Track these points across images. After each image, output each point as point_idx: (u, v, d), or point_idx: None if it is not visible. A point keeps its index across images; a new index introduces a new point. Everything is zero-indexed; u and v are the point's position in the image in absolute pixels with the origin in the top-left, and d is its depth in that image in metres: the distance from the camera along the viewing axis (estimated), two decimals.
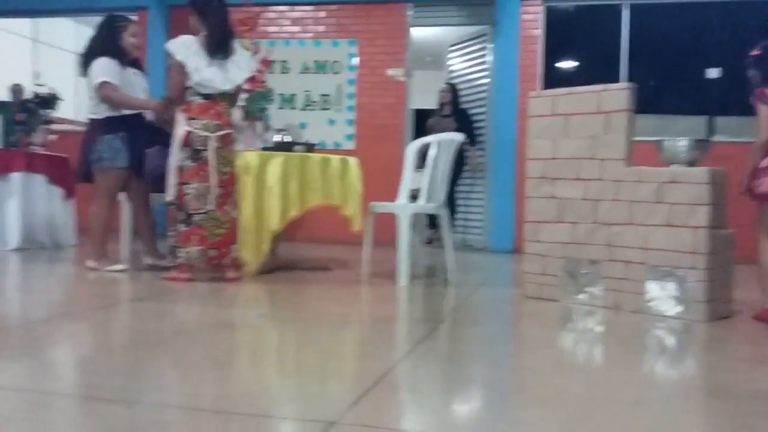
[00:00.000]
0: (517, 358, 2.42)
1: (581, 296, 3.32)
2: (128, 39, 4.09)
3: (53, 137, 6.07)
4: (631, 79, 6.51)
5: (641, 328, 2.87)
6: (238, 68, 3.78)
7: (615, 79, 6.63)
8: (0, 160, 5.09)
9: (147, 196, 4.23)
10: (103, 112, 3.99)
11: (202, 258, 3.69)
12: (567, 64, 7.53)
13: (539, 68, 6.92)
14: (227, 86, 3.73)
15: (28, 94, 5.93)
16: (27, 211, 5.15)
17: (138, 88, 4.17)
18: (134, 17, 4.98)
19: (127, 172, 4.03)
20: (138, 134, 4.02)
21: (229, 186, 3.77)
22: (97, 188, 4.07)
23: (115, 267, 4.07)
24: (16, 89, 5.86)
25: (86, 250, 4.34)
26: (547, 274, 3.48)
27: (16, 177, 5.11)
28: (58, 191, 5.50)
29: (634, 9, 6.81)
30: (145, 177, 4.09)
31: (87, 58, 4.04)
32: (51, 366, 2.00)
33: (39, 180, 5.30)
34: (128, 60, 4.14)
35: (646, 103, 6.03)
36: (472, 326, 2.92)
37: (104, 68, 3.94)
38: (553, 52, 7.17)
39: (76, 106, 8.24)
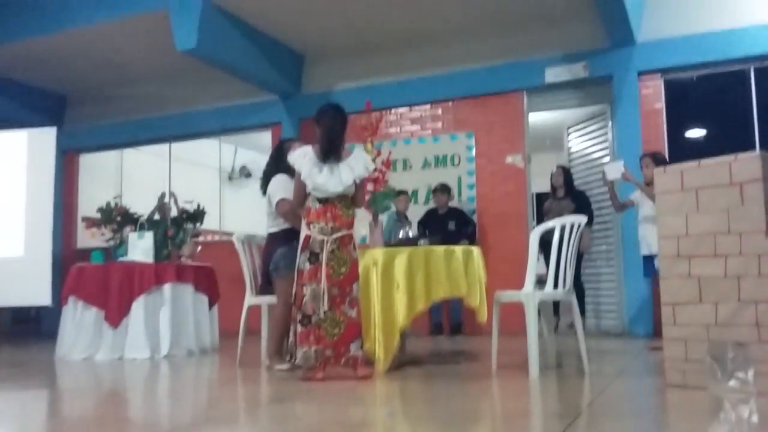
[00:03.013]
0: None
1: (731, 383, 3.06)
2: (290, 157, 4.48)
3: (200, 248, 6.59)
4: (765, 144, 6.15)
5: None
6: (350, 170, 3.90)
7: (749, 145, 6.29)
8: (155, 273, 5.56)
9: None
10: (280, 226, 4.42)
11: (319, 358, 3.78)
12: (694, 134, 7.24)
13: (664, 142, 6.71)
14: (339, 188, 3.87)
15: (172, 209, 6.53)
16: (176, 319, 5.56)
17: None
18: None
19: None
20: None
21: (346, 286, 3.87)
22: (276, 293, 4.44)
23: (282, 366, 4.28)
24: (164, 207, 6.47)
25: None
26: (691, 360, 3.25)
27: (167, 288, 5.55)
28: (203, 299, 5.90)
29: (759, 72, 6.51)
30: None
31: (265, 178, 4.58)
32: None
33: (187, 289, 5.72)
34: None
35: None
36: (612, 420, 2.76)
37: (280, 186, 4.40)
38: (677, 124, 6.94)
39: (219, 218, 8.93)
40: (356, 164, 3.95)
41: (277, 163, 4.56)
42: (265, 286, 4.60)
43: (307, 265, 3.84)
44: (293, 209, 4.20)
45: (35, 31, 7.41)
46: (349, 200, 3.96)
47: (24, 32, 7.47)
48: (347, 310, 3.85)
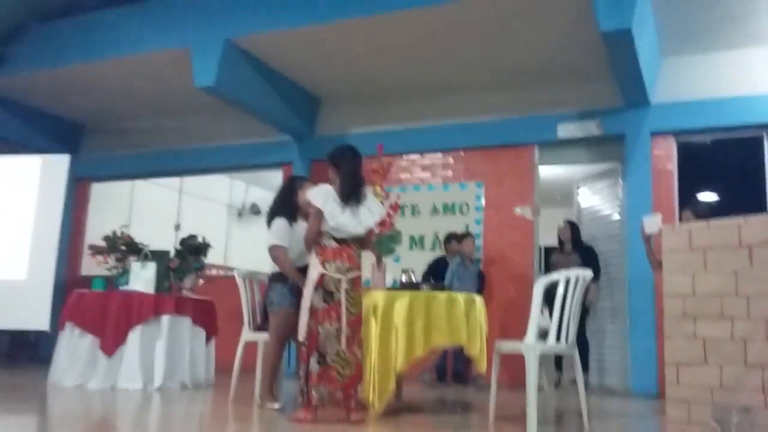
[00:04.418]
0: None
1: None
2: (302, 197, 4.52)
3: (202, 282, 6.55)
4: None
5: None
6: (370, 213, 3.98)
7: (761, 211, 6.23)
8: (154, 304, 5.51)
9: None
10: (277, 267, 4.48)
11: (331, 399, 3.72)
12: (706, 198, 7.22)
13: (675, 202, 6.67)
14: (360, 230, 3.92)
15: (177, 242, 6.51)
16: (171, 351, 5.47)
17: None
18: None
19: (294, 315, 4.28)
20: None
21: (356, 326, 3.85)
22: (270, 329, 4.47)
23: (274, 405, 4.27)
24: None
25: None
26: (694, 422, 3.15)
27: (165, 319, 5.48)
28: (200, 332, 5.82)
29: None
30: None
31: (270, 216, 4.64)
32: None
33: (185, 321, 5.64)
34: (305, 216, 4.54)
35: None
36: None
37: (277, 231, 4.49)
38: (689, 187, 6.92)
39: (224, 253, 8.93)
40: (375, 207, 4.03)
41: (285, 202, 4.62)
42: (261, 323, 4.68)
43: (323, 304, 3.80)
44: (285, 257, 4.41)
45: (59, 62, 7.55)
46: (359, 242, 3.98)
47: (47, 62, 7.63)
48: (356, 351, 3.81)
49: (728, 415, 2.99)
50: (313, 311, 3.81)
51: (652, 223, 5.24)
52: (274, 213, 4.62)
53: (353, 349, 3.80)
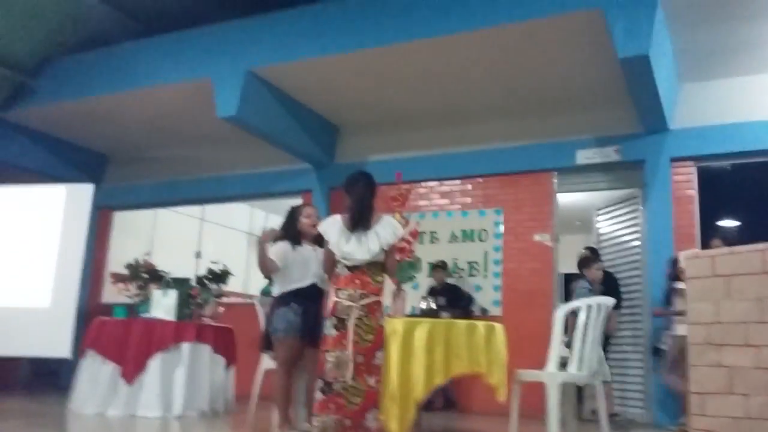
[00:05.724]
0: None
1: None
2: (302, 220, 4.58)
3: (222, 309, 6.58)
4: None
5: None
6: (377, 238, 3.85)
7: None
8: (174, 332, 5.54)
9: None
10: (278, 289, 4.45)
11: (338, 427, 3.68)
12: (728, 224, 7.16)
13: (696, 229, 6.61)
14: (366, 256, 3.82)
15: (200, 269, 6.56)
16: (191, 379, 5.49)
17: (312, 262, 4.50)
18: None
19: (300, 341, 4.31)
20: (311, 306, 4.33)
21: (370, 354, 3.80)
22: (275, 357, 4.46)
23: None
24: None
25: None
26: None
27: (185, 347, 5.52)
28: (220, 360, 5.84)
29: None
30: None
31: (274, 241, 4.66)
32: None
33: (205, 349, 5.67)
34: (312, 238, 4.55)
35: None
36: None
37: (273, 250, 4.48)
38: (711, 212, 6.85)
39: (244, 281, 8.97)
40: (383, 231, 3.89)
41: (286, 229, 4.65)
42: (264, 347, 4.65)
43: (333, 332, 3.79)
44: (270, 271, 4.42)
45: (83, 94, 7.72)
46: (378, 267, 3.91)
47: (72, 94, 7.80)
48: (368, 378, 3.77)
49: None
50: (324, 339, 3.81)
51: None
52: (277, 238, 4.65)
53: (364, 377, 3.75)
